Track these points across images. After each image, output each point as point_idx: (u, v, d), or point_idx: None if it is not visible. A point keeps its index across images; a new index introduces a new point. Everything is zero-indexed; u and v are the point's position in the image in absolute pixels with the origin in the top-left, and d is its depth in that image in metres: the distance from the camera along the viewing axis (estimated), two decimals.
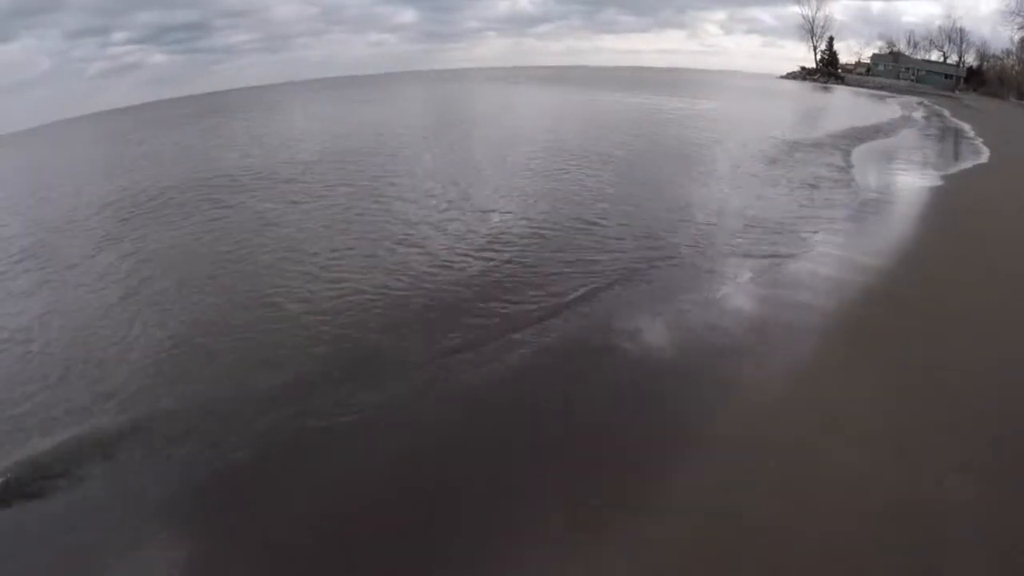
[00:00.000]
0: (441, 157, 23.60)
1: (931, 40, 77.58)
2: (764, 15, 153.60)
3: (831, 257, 11.63)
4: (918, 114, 44.87)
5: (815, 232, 13.20)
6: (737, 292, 10.10)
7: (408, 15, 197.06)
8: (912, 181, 18.88)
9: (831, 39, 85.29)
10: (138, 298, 10.89)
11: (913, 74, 75.93)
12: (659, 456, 6.08)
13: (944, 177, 19.15)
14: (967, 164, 22.56)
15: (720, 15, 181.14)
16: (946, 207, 15.57)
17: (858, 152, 24.42)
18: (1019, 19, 61.94)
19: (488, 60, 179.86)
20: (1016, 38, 65.78)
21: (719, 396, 7.06)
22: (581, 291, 10.10)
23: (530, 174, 19.36)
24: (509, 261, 11.66)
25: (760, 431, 6.33)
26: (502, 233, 13.36)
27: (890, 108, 47.89)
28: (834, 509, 5.17)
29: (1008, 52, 68.87)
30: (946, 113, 46.49)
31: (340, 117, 46.87)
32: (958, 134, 33.60)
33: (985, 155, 25.15)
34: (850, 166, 21.27)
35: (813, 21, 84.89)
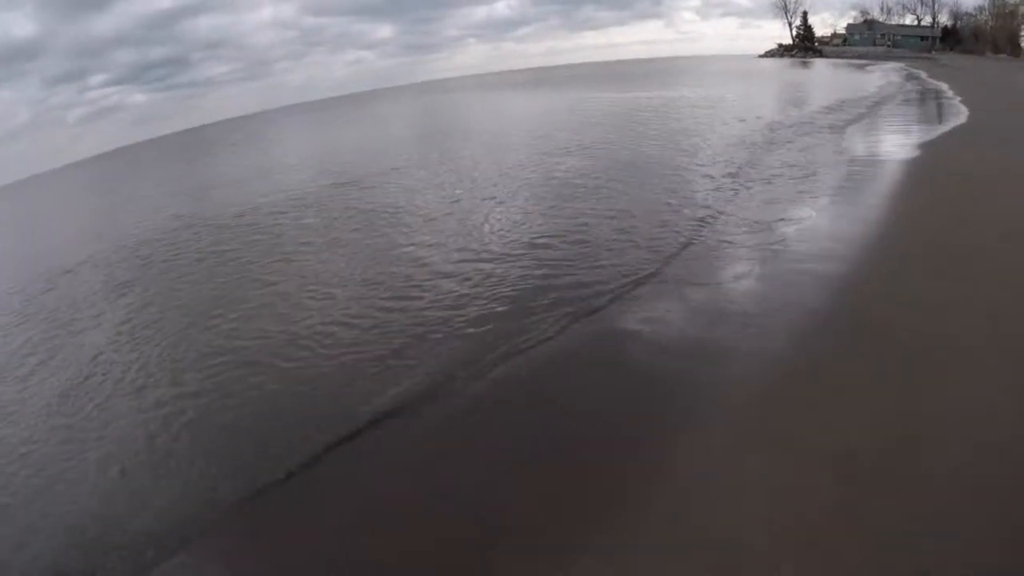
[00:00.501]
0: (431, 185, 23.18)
1: (904, 4, 78.83)
2: None
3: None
4: (894, 79, 44.79)
5: (788, 219, 13.02)
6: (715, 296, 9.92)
7: (386, 30, 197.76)
8: (889, 152, 18.57)
9: (805, 14, 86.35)
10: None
11: (889, 40, 76.48)
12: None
13: (922, 146, 18.92)
14: (947, 127, 22.33)
15: (695, 1, 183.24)
16: (922, 179, 15.13)
17: (829, 128, 24.24)
18: None
19: (469, 68, 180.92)
20: None
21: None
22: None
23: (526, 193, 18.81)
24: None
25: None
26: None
27: (866, 77, 47.84)
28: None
29: (981, 8, 69.61)
30: (923, 75, 46.29)
31: (310, 152, 46.58)
32: (937, 95, 33.42)
33: (964, 115, 24.95)
34: (818, 145, 21.06)
35: None
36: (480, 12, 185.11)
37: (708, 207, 14.17)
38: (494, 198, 17.81)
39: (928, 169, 16.10)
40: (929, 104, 30.51)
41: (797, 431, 6.01)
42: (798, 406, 6.46)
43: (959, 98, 30.65)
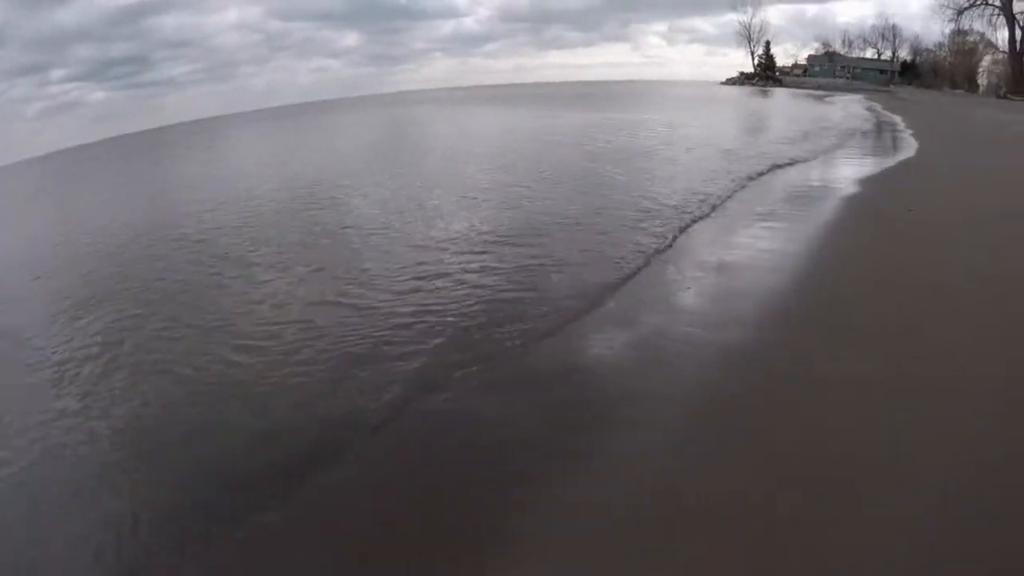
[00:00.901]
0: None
1: (865, 38, 78.79)
2: (704, 24, 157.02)
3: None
4: (853, 110, 43.88)
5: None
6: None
7: (352, 39, 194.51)
8: (827, 187, 16.79)
9: (768, 43, 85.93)
10: None
11: (849, 72, 76.34)
12: None
13: (863, 181, 17.07)
14: (892, 161, 20.79)
15: (661, 27, 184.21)
16: (851, 222, 13.20)
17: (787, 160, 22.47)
18: (949, 12, 62.06)
19: (435, 81, 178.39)
20: (947, 31, 66.34)
21: None
22: None
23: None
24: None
25: None
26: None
27: (824, 108, 46.88)
28: None
29: (940, 45, 69.61)
30: (878, 107, 45.56)
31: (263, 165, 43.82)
32: (892, 129, 32.28)
33: (913, 148, 23.72)
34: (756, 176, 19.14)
35: (750, 27, 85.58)
36: (448, 26, 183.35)
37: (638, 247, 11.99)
38: (439, 218, 15.87)
39: (864, 208, 14.29)
40: (883, 137, 29.11)
41: None
42: None
43: (911, 132, 29.48)
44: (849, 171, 18.98)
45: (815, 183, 17.67)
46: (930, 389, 5.99)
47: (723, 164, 20.73)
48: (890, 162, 20.61)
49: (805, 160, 21.67)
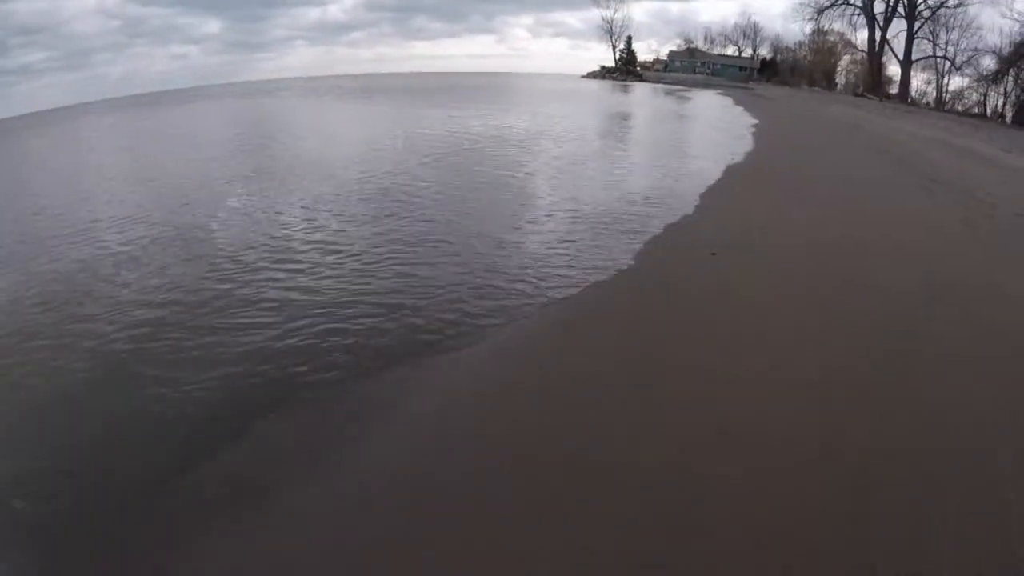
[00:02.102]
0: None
1: (727, 36, 76.80)
2: (569, 19, 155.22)
3: None
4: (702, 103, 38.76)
5: None
6: None
7: (213, 25, 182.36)
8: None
9: (629, 38, 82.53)
10: None
11: (709, 68, 73.39)
12: None
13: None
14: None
15: (527, 20, 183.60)
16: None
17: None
18: (810, 10, 59.41)
19: (298, 69, 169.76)
20: (807, 30, 64.42)
21: None
22: None
23: None
24: None
25: None
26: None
27: (660, 102, 41.83)
28: None
29: (800, 44, 67.52)
30: (729, 102, 41.19)
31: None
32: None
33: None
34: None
35: (612, 22, 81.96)
36: (312, 14, 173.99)
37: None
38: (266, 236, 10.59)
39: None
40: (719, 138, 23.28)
41: None
42: None
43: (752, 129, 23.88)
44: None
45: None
46: None
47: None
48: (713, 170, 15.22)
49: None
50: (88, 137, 36.05)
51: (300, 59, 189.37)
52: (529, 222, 10.54)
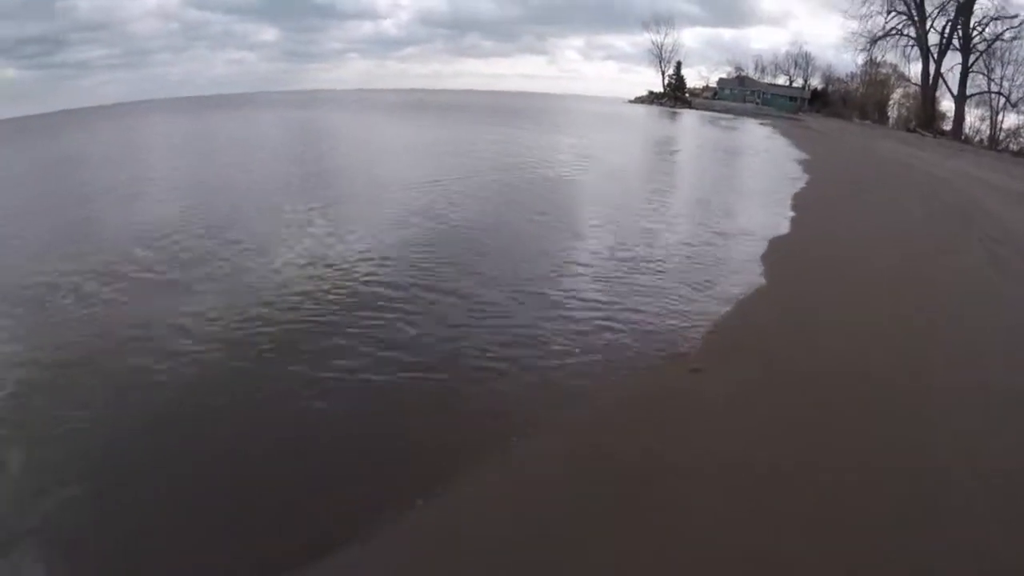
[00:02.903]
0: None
1: (777, 65, 76.02)
2: (620, 42, 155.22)
3: None
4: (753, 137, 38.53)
5: None
6: None
7: (270, 34, 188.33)
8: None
9: (679, 64, 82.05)
10: None
11: (759, 97, 72.55)
12: None
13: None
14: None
15: (578, 42, 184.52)
16: None
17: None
18: (863, 40, 58.75)
19: (351, 81, 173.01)
20: (860, 60, 63.19)
21: None
22: None
23: None
24: None
25: None
26: None
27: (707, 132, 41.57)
28: None
29: (852, 75, 66.66)
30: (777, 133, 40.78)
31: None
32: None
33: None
34: None
35: (661, 47, 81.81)
36: (367, 27, 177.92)
37: None
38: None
39: None
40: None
41: None
42: None
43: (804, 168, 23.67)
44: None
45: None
46: None
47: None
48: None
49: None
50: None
51: (353, 71, 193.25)
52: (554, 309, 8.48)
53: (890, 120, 60.66)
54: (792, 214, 14.79)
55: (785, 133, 42.03)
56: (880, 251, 11.97)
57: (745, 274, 10.06)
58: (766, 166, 24.71)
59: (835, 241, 12.70)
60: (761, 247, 11.62)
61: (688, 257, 10.94)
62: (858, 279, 9.94)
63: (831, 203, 16.77)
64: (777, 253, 11.33)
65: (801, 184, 19.29)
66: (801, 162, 25.39)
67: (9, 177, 23.93)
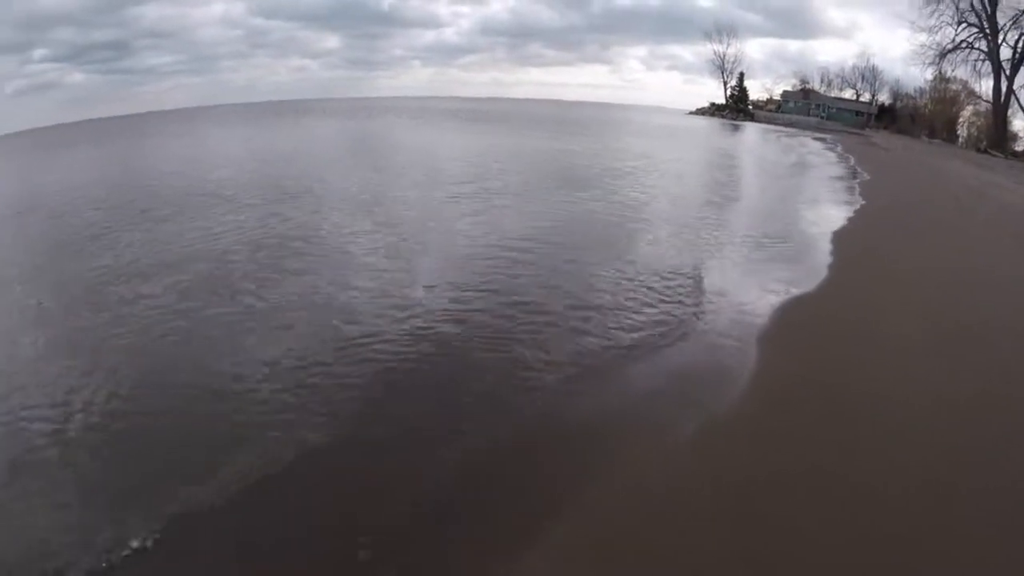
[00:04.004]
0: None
1: (844, 78, 74.64)
2: (683, 52, 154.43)
3: None
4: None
5: None
6: None
7: (332, 41, 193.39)
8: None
9: (741, 75, 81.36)
10: None
11: (823, 111, 71.33)
12: None
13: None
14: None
15: (641, 51, 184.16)
16: None
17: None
18: (931, 53, 56.41)
19: (413, 89, 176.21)
20: (928, 75, 61.18)
21: None
22: None
23: None
24: None
25: None
26: None
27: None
28: None
29: (921, 91, 64.76)
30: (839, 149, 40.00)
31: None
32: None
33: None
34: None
35: (724, 57, 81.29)
36: (428, 36, 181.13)
37: None
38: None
39: None
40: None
41: None
42: None
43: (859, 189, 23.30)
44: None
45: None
46: None
47: None
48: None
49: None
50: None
51: (415, 79, 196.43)
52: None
53: (959, 139, 58.70)
54: (831, 260, 12.59)
55: (848, 150, 41.37)
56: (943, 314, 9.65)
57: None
58: (818, 188, 24.41)
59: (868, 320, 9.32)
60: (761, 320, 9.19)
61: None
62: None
63: (876, 247, 14.30)
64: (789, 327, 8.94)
65: (847, 216, 17.54)
66: (857, 184, 25.04)
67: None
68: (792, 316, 9.35)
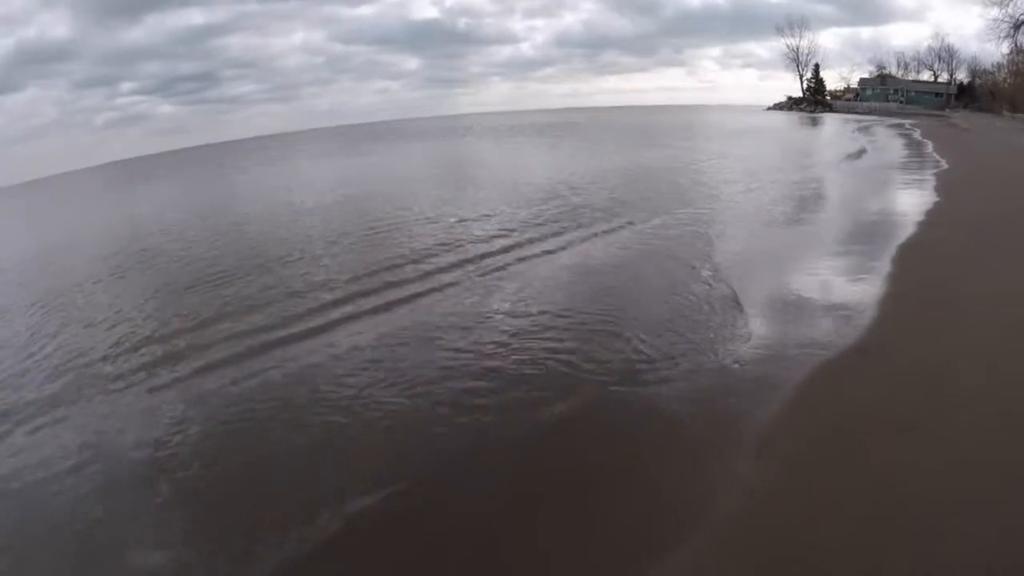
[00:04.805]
0: None
1: (920, 60, 76.48)
2: (758, 49, 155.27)
3: None
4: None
5: None
6: None
7: (412, 63, 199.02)
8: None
9: (817, 67, 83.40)
10: None
11: (902, 95, 73.01)
12: None
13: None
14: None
15: (716, 51, 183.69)
16: None
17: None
18: (1005, 26, 57.02)
19: (492, 104, 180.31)
20: (1004, 49, 61.44)
21: None
22: None
23: None
24: None
25: None
26: None
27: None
28: None
29: (999, 66, 65.68)
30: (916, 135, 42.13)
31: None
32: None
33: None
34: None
35: (798, 50, 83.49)
36: (505, 51, 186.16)
37: None
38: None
39: None
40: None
41: None
42: None
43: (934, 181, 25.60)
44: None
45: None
46: None
47: None
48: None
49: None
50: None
51: (495, 94, 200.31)
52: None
53: None
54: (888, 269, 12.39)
55: (927, 135, 43.20)
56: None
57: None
58: (890, 185, 25.66)
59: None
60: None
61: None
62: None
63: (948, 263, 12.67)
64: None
65: (913, 226, 16.35)
66: (937, 175, 26.20)
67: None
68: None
